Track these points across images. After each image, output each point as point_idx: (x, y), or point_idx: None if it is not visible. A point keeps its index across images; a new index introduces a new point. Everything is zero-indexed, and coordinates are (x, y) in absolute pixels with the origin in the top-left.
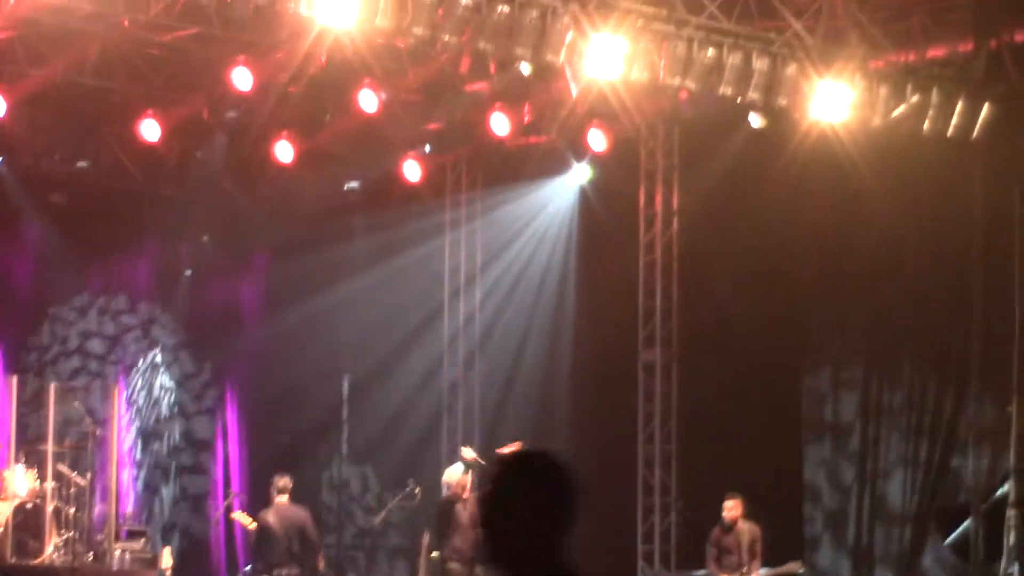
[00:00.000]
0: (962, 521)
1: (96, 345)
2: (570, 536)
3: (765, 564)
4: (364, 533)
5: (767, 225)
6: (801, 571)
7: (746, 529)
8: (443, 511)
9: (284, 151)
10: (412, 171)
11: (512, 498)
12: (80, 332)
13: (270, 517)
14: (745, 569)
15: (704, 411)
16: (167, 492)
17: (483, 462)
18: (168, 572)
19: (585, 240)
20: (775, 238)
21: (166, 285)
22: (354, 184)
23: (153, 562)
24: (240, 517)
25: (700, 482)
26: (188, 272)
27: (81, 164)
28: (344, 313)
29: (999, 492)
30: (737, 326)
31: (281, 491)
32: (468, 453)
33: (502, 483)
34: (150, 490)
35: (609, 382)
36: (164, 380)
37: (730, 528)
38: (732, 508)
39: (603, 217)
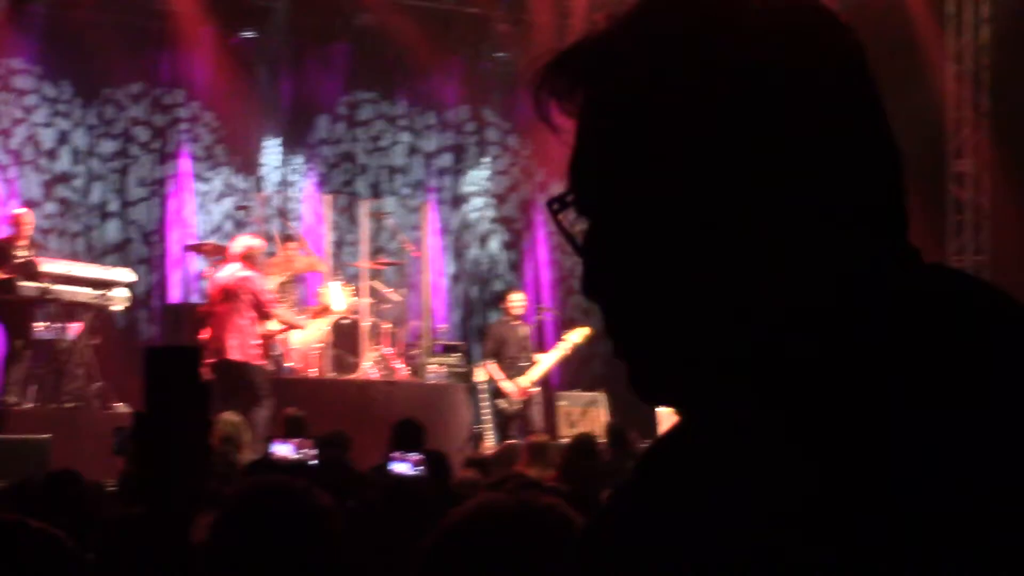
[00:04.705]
0: None
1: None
2: None
3: None
4: None
5: None
6: None
7: None
8: None
9: None
10: None
11: None
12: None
13: None
14: None
15: (1015, 223)
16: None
17: None
18: (483, 385)
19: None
20: None
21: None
22: None
23: (468, 376)
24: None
25: (1015, 291)
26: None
27: None
28: None
29: None
30: None
31: None
32: None
33: None
34: (464, 305)
35: (918, 194)
36: (475, 201)
37: None
38: None
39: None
